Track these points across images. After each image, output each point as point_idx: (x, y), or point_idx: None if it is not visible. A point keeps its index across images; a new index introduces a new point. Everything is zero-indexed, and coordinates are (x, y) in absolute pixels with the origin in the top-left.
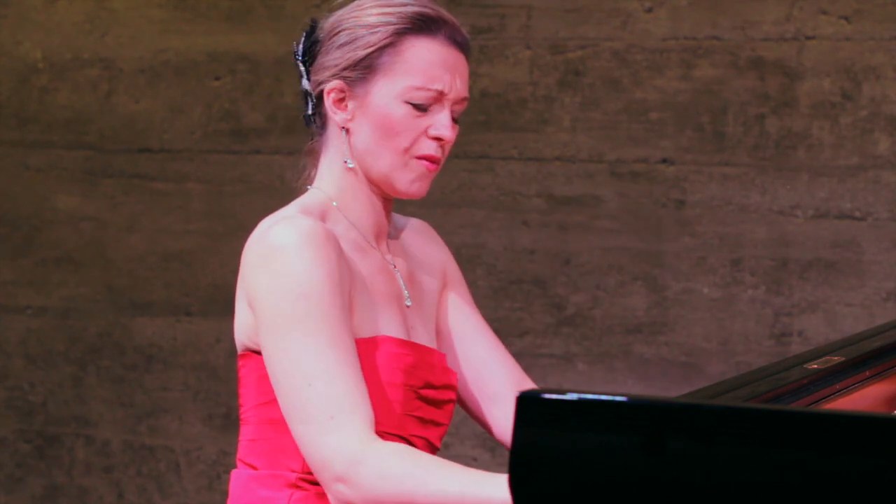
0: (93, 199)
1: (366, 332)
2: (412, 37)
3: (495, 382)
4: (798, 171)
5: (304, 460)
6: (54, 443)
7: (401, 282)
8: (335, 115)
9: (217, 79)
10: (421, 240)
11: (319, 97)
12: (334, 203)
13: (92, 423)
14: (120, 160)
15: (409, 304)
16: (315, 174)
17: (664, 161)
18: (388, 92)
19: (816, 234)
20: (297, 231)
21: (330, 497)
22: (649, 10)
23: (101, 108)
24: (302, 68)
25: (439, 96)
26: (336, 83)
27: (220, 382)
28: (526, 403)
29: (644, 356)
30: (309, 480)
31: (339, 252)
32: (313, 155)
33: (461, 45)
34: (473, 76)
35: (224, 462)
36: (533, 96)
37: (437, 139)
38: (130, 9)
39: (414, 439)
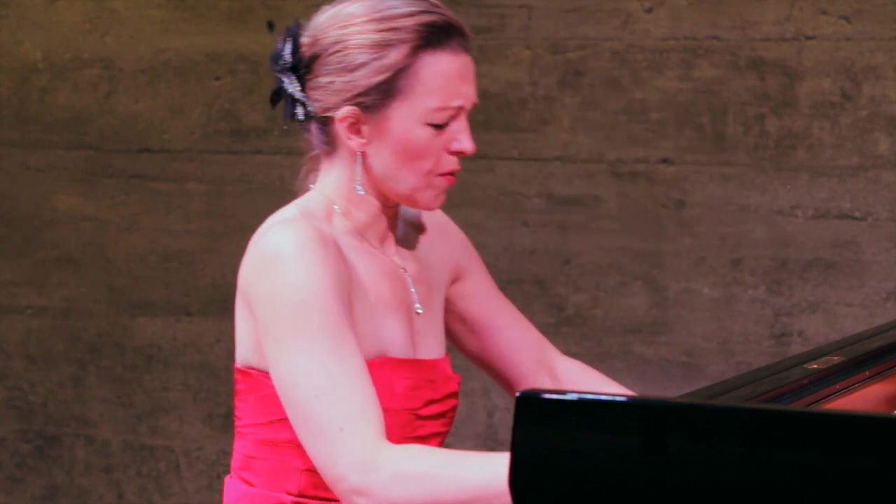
0: (93, 199)
1: (365, 350)
2: (425, 54)
3: (521, 365)
4: (798, 171)
5: (301, 483)
6: (54, 443)
7: (411, 287)
8: (350, 141)
9: (217, 79)
10: (430, 236)
11: (325, 119)
12: (336, 207)
13: (92, 423)
14: (120, 160)
15: (420, 311)
16: (317, 176)
17: (664, 161)
18: (407, 116)
19: (816, 234)
20: (294, 236)
21: None
22: (649, 10)
23: (101, 108)
24: (297, 82)
25: (458, 111)
26: (349, 110)
27: (220, 382)
28: (526, 403)
29: (644, 356)
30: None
31: (339, 257)
32: (314, 158)
33: (467, 47)
34: None
35: (224, 462)
36: (533, 96)
37: (460, 153)
38: (130, 9)
39: None
